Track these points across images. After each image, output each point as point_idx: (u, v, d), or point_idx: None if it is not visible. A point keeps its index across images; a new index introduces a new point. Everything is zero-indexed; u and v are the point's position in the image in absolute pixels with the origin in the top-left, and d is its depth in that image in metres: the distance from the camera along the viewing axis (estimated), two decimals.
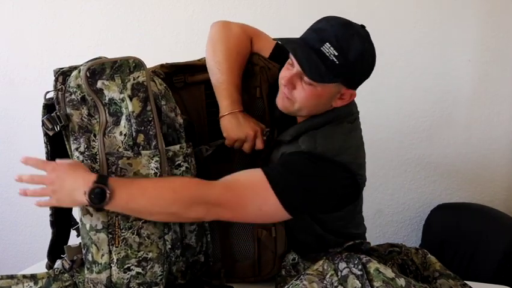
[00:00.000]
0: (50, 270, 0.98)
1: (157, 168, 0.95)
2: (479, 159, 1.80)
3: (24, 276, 0.96)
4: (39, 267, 1.08)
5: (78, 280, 0.96)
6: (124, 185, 0.91)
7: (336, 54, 0.92)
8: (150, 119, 0.96)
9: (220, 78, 1.08)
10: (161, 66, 1.14)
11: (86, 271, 0.94)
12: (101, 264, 0.93)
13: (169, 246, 0.98)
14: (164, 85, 1.03)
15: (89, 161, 0.93)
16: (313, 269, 1.00)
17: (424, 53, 1.75)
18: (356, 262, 0.95)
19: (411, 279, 0.92)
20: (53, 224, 1.04)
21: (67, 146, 0.95)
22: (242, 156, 1.10)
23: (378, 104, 1.80)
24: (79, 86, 0.93)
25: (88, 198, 0.87)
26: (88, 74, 0.92)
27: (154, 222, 0.96)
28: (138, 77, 0.96)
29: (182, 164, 0.99)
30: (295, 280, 0.97)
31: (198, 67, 1.15)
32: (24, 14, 2.00)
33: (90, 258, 0.93)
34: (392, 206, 1.91)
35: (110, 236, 0.93)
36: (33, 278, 0.96)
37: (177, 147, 0.99)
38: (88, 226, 0.93)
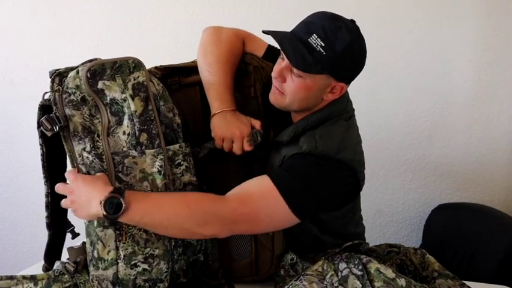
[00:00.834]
0: (50, 271, 0.98)
1: (161, 167, 0.95)
2: (479, 159, 1.80)
3: (24, 277, 0.96)
4: (39, 267, 1.08)
5: (79, 281, 0.96)
6: (140, 199, 0.91)
7: (323, 45, 0.94)
8: (152, 118, 0.96)
9: (211, 80, 1.09)
10: (156, 68, 1.14)
11: (91, 268, 0.94)
12: (107, 260, 0.93)
13: (173, 244, 0.99)
14: (162, 85, 1.04)
15: (97, 160, 0.93)
16: (313, 270, 1.00)
17: (424, 53, 1.75)
18: (356, 262, 0.95)
19: (411, 280, 0.92)
20: (49, 226, 1.04)
21: (66, 148, 0.95)
22: (238, 156, 1.10)
23: (378, 104, 1.80)
24: (77, 86, 0.93)
25: (103, 208, 0.88)
26: (89, 75, 0.92)
27: None
28: (138, 77, 0.96)
29: (182, 162, 0.99)
30: (295, 280, 0.97)
31: (193, 69, 1.15)
32: (24, 14, 2.00)
33: (96, 255, 0.93)
34: (392, 206, 1.91)
35: (117, 232, 0.93)
36: (33, 279, 0.96)
37: (177, 146, 0.99)
38: (95, 223, 0.93)
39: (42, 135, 0.97)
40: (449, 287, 1.02)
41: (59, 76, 0.94)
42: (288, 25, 1.67)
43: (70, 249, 0.99)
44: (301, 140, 1.04)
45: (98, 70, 0.93)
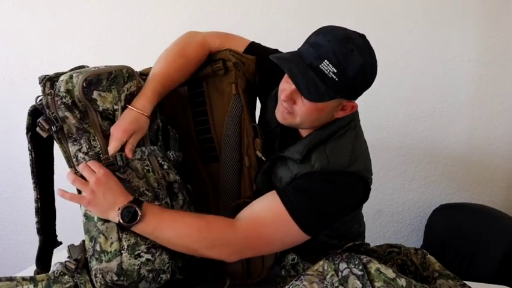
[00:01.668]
0: (50, 273, 0.98)
1: (147, 166, 1.01)
2: (479, 159, 1.80)
3: (23, 279, 0.96)
4: None
5: (79, 281, 0.96)
6: (155, 213, 0.95)
7: (335, 71, 0.90)
8: None
9: (151, 76, 1.06)
10: (146, 70, 1.14)
11: (94, 262, 0.94)
12: (110, 252, 0.94)
13: None
14: None
15: (95, 159, 0.96)
16: (314, 270, 1.00)
17: (424, 53, 1.75)
18: (356, 262, 0.95)
19: (411, 280, 0.92)
20: (39, 231, 1.05)
21: (61, 149, 0.97)
22: (228, 156, 1.11)
23: (378, 104, 1.80)
24: (68, 90, 0.95)
25: (119, 214, 0.92)
26: (85, 85, 0.94)
27: None
28: (131, 87, 1.02)
29: (163, 163, 1.04)
30: (295, 280, 0.97)
31: None
32: (24, 14, 2.00)
33: (98, 249, 0.94)
34: (392, 206, 1.91)
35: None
36: (32, 280, 0.96)
37: (155, 148, 1.05)
38: (96, 218, 0.95)
39: (31, 141, 0.99)
40: (450, 287, 1.02)
41: (49, 81, 0.97)
42: (288, 25, 1.67)
43: (70, 246, 0.99)
44: (313, 158, 1.02)
45: (94, 80, 0.96)
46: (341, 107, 1.01)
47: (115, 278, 0.93)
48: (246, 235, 0.97)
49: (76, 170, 0.96)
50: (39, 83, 0.96)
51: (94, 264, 0.94)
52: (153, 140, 1.07)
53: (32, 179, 1.01)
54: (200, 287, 1.10)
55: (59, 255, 1.06)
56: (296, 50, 0.99)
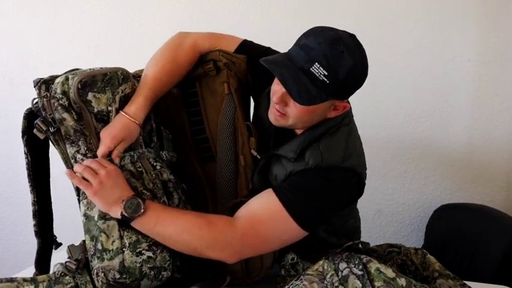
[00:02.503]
0: (51, 273, 0.98)
1: (139, 167, 1.01)
2: (479, 159, 1.80)
3: (24, 280, 0.96)
4: None
5: (80, 282, 0.96)
6: (156, 209, 0.96)
7: (326, 74, 0.90)
8: None
9: (142, 81, 1.06)
10: (139, 71, 1.14)
11: (96, 261, 0.94)
12: (112, 250, 0.94)
13: None
14: None
15: None
16: (314, 269, 1.00)
17: (424, 53, 1.75)
18: (356, 262, 0.95)
19: (411, 279, 0.92)
20: (37, 234, 1.05)
21: (58, 151, 0.97)
22: (223, 156, 1.11)
23: (378, 104, 1.80)
24: (64, 92, 0.95)
25: (123, 206, 0.92)
26: (80, 86, 0.95)
27: None
28: (125, 89, 1.02)
29: (155, 164, 1.04)
30: (295, 280, 0.97)
31: None
32: (24, 14, 2.00)
33: (100, 247, 0.94)
34: (392, 206, 1.91)
35: (119, 221, 0.95)
36: (33, 281, 0.96)
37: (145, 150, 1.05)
38: (96, 217, 0.95)
39: (27, 144, 0.99)
40: (449, 287, 1.02)
41: (44, 84, 0.97)
42: (288, 25, 1.67)
43: (71, 246, 0.99)
44: (307, 155, 1.03)
45: (89, 82, 0.96)
46: (333, 107, 1.01)
47: (117, 276, 0.93)
48: (244, 233, 0.97)
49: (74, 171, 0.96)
50: (34, 86, 0.96)
51: (95, 263, 0.94)
52: (147, 141, 1.07)
53: (29, 182, 1.01)
54: (200, 284, 1.10)
55: (59, 256, 1.06)
56: (286, 51, 0.98)
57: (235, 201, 1.10)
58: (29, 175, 1.01)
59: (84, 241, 0.98)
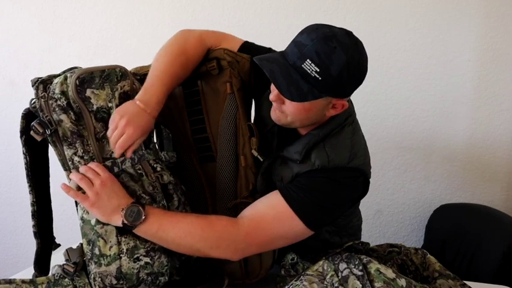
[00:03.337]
0: (50, 275, 0.98)
1: (140, 170, 1.00)
2: (479, 159, 1.81)
3: (23, 281, 0.96)
4: None
5: (78, 284, 0.96)
6: (157, 214, 0.96)
7: (318, 70, 0.89)
8: None
9: (155, 77, 1.03)
10: (138, 69, 1.13)
11: (93, 266, 0.94)
12: (110, 256, 0.93)
13: None
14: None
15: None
16: (314, 270, 1.00)
17: (424, 53, 1.75)
18: (356, 263, 0.95)
19: (411, 280, 0.92)
20: (36, 234, 1.04)
21: (56, 152, 0.96)
22: (224, 156, 1.11)
23: (378, 104, 1.80)
24: (63, 92, 0.94)
25: (123, 214, 0.92)
26: (78, 83, 0.94)
27: None
28: (124, 86, 1.00)
29: (155, 165, 1.03)
30: (295, 280, 0.97)
31: None
32: (24, 14, 2.00)
33: (97, 252, 0.93)
34: (392, 206, 1.91)
35: (118, 227, 0.95)
36: (32, 283, 0.96)
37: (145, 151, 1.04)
38: (93, 221, 0.94)
39: (25, 144, 0.98)
40: (450, 287, 1.02)
41: (42, 83, 0.96)
42: (288, 25, 1.67)
43: (69, 249, 0.99)
44: (312, 156, 1.02)
45: (87, 78, 0.95)
46: (331, 106, 1.00)
47: (114, 282, 0.93)
48: (248, 232, 0.97)
49: (70, 172, 0.95)
50: (32, 86, 0.95)
51: (93, 268, 0.94)
52: (146, 142, 1.05)
53: (28, 182, 1.01)
54: (198, 287, 1.09)
55: (59, 256, 1.06)
56: (284, 49, 0.98)
57: (235, 201, 1.10)
58: (27, 175, 1.00)
59: (82, 244, 0.97)
